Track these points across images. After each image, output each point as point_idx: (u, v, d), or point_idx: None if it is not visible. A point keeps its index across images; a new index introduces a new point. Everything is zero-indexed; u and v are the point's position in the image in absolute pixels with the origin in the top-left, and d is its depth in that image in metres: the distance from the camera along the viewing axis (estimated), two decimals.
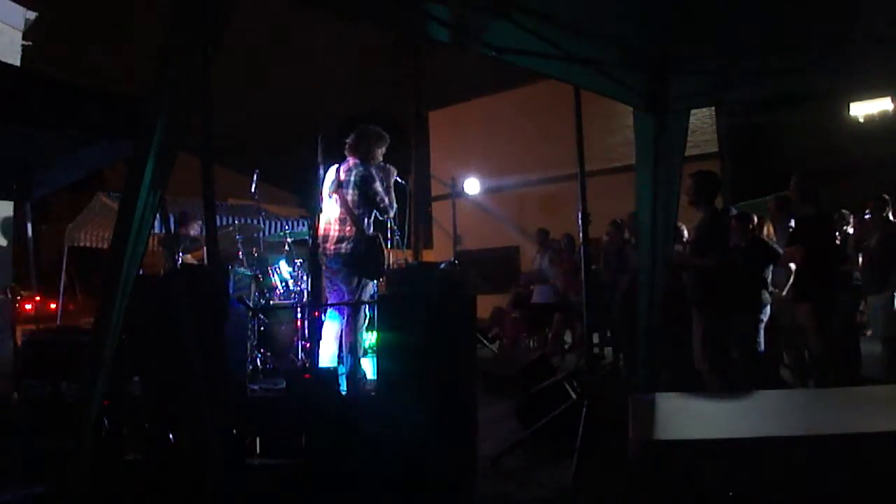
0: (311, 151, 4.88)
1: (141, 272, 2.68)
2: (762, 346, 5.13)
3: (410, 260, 8.69)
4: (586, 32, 3.62)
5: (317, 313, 5.18)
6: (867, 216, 6.24)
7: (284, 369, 5.82)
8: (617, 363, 7.65)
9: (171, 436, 3.58)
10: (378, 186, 5.20)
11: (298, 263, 6.64)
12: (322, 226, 5.16)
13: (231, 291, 5.11)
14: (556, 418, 4.33)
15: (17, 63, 8.01)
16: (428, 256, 19.30)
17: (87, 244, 11.98)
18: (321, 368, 4.71)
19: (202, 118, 2.61)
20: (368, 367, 5.18)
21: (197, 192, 2.82)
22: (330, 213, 5.20)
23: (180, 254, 6.23)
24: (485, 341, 9.45)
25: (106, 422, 3.56)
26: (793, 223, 5.74)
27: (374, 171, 5.23)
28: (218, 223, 5.80)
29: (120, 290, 2.39)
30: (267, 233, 8.90)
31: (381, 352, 4.10)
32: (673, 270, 4.91)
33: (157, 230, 4.87)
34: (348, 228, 5.12)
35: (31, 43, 8.89)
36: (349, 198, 5.14)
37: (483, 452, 4.00)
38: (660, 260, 4.36)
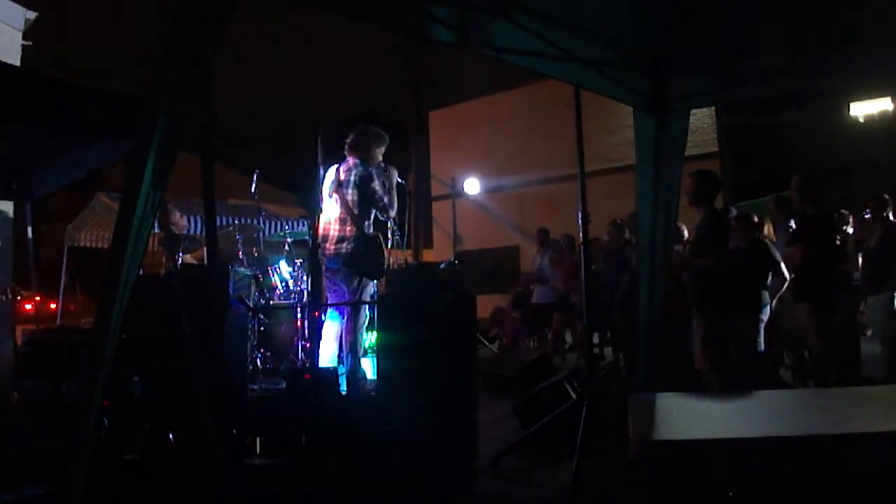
0: (311, 151, 4.88)
1: (141, 272, 2.68)
2: (762, 346, 5.13)
3: (410, 260, 8.69)
4: (586, 32, 3.62)
5: (317, 313, 5.18)
6: (867, 216, 6.24)
7: (284, 369, 5.81)
8: (617, 363, 7.65)
9: (171, 436, 3.58)
10: (377, 186, 5.20)
11: (298, 263, 6.64)
12: (322, 226, 5.16)
13: (231, 291, 5.10)
14: (556, 418, 4.32)
15: (17, 63, 8.01)
16: (428, 256, 19.30)
17: (87, 244, 11.98)
18: (321, 368, 4.71)
19: (202, 118, 2.61)
20: (368, 367, 5.18)
21: (197, 192, 2.82)
22: (330, 213, 5.20)
23: (180, 254, 6.22)
24: (485, 341, 9.45)
25: (106, 422, 3.56)
26: (793, 223, 5.74)
27: (373, 171, 5.23)
28: (218, 223, 5.80)
29: (120, 290, 2.39)
30: (267, 233, 8.89)
31: (381, 352, 4.10)
32: (673, 270, 4.91)
33: (156, 230, 4.86)
34: (348, 228, 5.12)
35: (31, 43, 8.88)
36: (349, 198, 5.14)
37: (483, 452, 4.00)
38: (660, 260, 4.36)
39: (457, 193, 17.39)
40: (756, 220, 5.70)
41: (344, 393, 4.55)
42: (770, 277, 5.31)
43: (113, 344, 2.38)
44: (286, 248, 7.05)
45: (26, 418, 4.48)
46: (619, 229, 7.67)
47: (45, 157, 4.86)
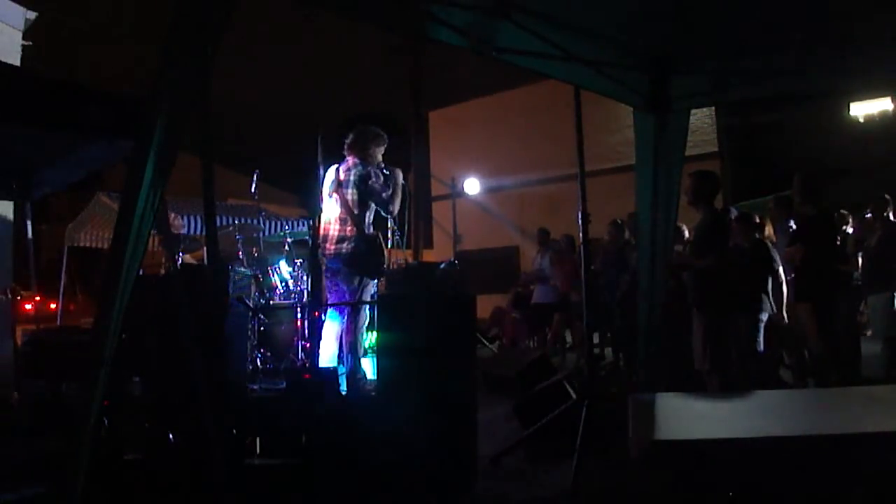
0: (311, 151, 4.88)
1: (141, 272, 2.68)
2: (762, 346, 5.13)
3: (410, 260, 8.70)
4: (586, 32, 3.62)
5: (317, 313, 5.18)
6: (867, 216, 6.24)
7: (284, 369, 5.81)
8: (617, 363, 7.65)
9: (171, 436, 3.58)
10: (377, 183, 5.18)
11: (298, 263, 6.64)
12: (322, 226, 5.16)
13: (231, 291, 5.10)
14: (556, 418, 4.32)
15: (17, 63, 8.01)
16: (428, 256, 19.28)
17: (87, 244, 11.98)
18: (321, 368, 4.71)
19: (202, 118, 2.61)
20: (368, 367, 5.18)
21: (197, 192, 2.82)
22: (330, 213, 5.20)
23: (180, 254, 6.23)
24: (485, 341, 9.45)
25: (106, 422, 3.56)
26: (793, 223, 5.74)
27: (372, 171, 5.22)
28: (218, 223, 5.80)
29: (120, 290, 2.39)
30: (267, 233, 8.89)
31: (381, 352, 4.10)
32: (673, 270, 4.91)
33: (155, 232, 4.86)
34: (348, 228, 5.12)
35: (31, 43, 8.88)
36: (349, 197, 5.14)
37: (483, 452, 4.00)
38: (660, 260, 4.36)
39: (457, 193, 17.41)
40: (757, 220, 5.71)
41: (344, 393, 4.55)
42: (771, 281, 5.33)
43: (113, 344, 2.38)
44: (286, 248, 7.06)
45: (26, 418, 4.48)
46: (619, 229, 7.67)
47: (45, 157, 4.86)
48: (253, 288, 6.42)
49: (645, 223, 4.38)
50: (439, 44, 3.64)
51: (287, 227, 10.01)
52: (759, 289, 5.29)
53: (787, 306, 5.45)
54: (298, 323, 6.26)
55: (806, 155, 12.82)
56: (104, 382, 2.38)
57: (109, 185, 13.98)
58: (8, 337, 5.95)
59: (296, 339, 6.24)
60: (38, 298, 7.80)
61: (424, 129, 21.16)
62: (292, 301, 6.46)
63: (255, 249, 7.21)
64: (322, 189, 5.13)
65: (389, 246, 5.65)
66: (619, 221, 7.69)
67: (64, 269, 11.58)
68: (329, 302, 5.30)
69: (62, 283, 11.27)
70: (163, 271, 6.84)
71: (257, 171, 7.10)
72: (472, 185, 17.55)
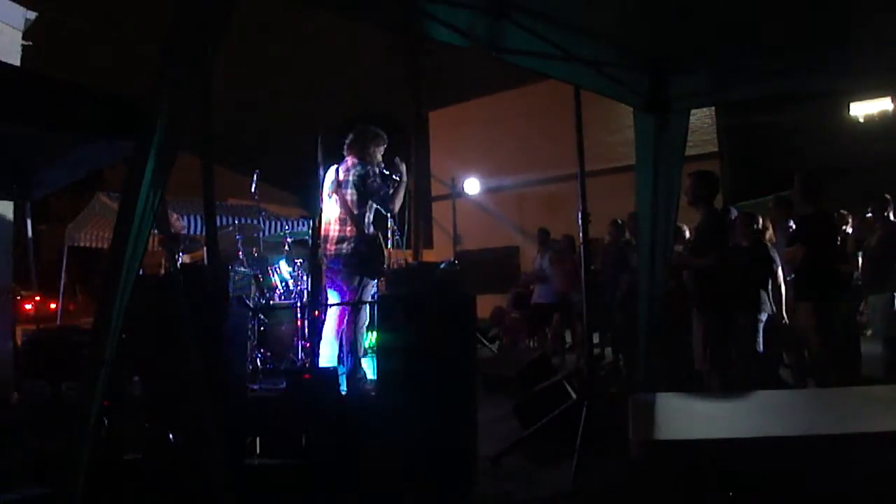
0: (311, 151, 4.88)
1: (141, 272, 2.68)
2: (762, 346, 5.13)
3: (410, 260, 8.70)
4: (586, 32, 3.62)
5: (317, 313, 5.17)
6: (867, 216, 6.24)
7: (284, 369, 5.81)
8: (617, 363, 7.65)
9: (171, 436, 3.58)
10: (375, 182, 5.18)
11: (298, 263, 6.64)
12: (322, 226, 5.16)
13: (231, 291, 5.09)
14: (556, 418, 4.32)
15: (17, 63, 8.00)
16: (428, 256, 19.30)
17: (87, 244, 11.99)
18: (321, 368, 4.71)
19: (202, 118, 2.61)
20: (368, 367, 5.18)
21: (197, 192, 2.82)
22: (330, 213, 5.20)
23: (180, 254, 6.23)
24: (485, 341, 9.45)
25: (106, 422, 3.56)
26: (793, 223, 5.74)
27: (370, 170, 5.22)
28: (218, 223, 5.81)
29: (120, 290, 2.39)
30: (267, 233, 8.90)
31: (381, 352, 4.10)
32: (673, 270, 4.91)
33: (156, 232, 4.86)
34: (348, 229, 5.12)
35: (31, 43, 8.87)
36: (349, 198, 5.14)
37: (483, 452, 4.00)
38: (660, 260, 4.36)
39: (457, 193, 17.41)
40: (759, 222, 5.71)
41: (344, 393, 4.55)
42: (771, 281, 5.34)
43: (113, 344, 2.38)
44: (286, 248, 7.06)
45: (26, 418, 4.47)
46: (619, 229, 7.67)
47: (45, 157, 4.85)
48: (253, 288, 6.41)
49: (645, 223, 4.38)
50: (439, 44, 3.64)
51: (287, 227, 10.01)
52: (759, 289, 5.29)
53: (787, 306, 5.46)
54: (298, 323, 6.26)
55: (806, 155, 12.83)
56: (104, 382, 2.38)
57: (109, 185, 14.00)
58: (8, 337, 5.94)
59: (296, 339, 6.25)
60: (38, 298, 7.82)
61: (424, 129, 21.19)
62: (292, 301, 6.46)
63: (255, 249, 7.21)
64: (322, 189, 5.13)
65: (389, 246, 5.65)
66: (619, 221, 7.69)
67: (64, 269, 11.59)
68: (329, 302, 5.30)
69: (62, 283, 11.29)
70: (163, 271, 6.84)
71: (257, 171, 7.10)
72: (472, 185, 17.56)
